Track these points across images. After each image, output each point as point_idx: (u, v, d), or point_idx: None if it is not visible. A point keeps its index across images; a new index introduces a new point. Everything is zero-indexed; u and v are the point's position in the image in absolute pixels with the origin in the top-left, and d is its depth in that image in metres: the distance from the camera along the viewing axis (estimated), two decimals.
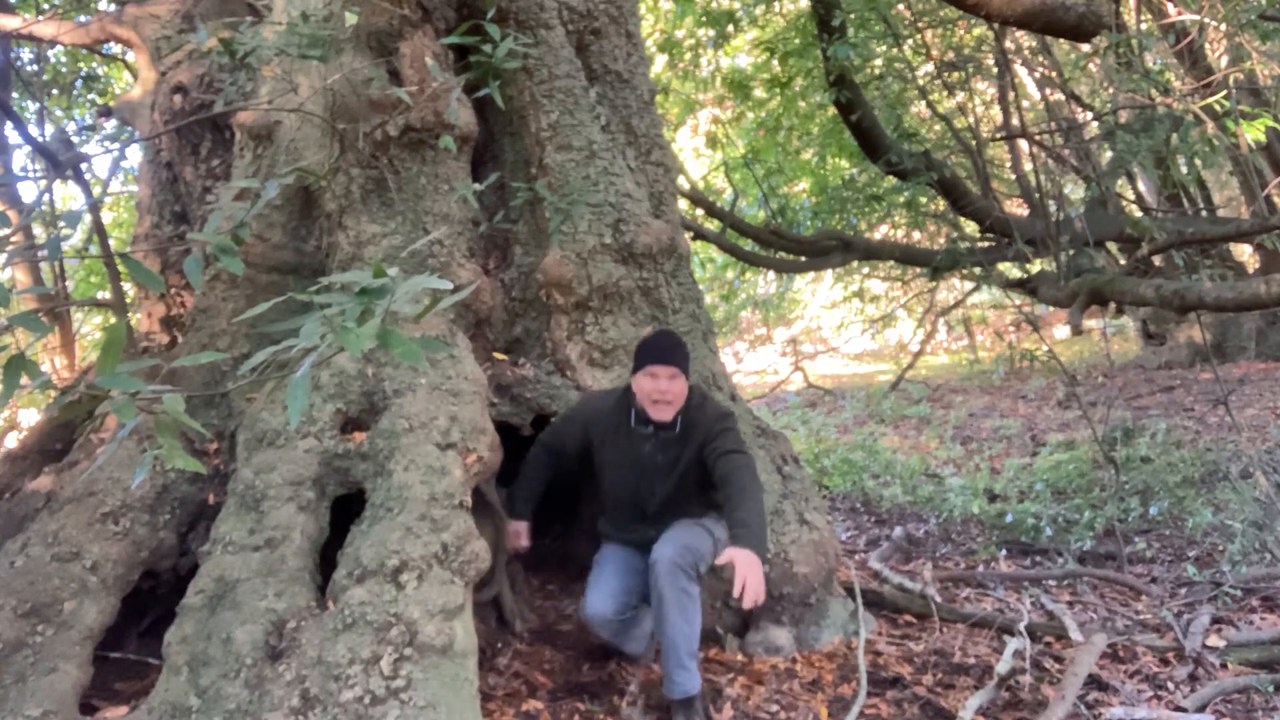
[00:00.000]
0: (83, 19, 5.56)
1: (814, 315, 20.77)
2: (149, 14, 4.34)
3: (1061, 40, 7.50)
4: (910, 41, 8.25)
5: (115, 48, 6.19)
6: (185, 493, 3.09)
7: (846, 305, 14.72)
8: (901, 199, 7.99)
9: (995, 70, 9.11)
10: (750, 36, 10.02)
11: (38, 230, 6.96)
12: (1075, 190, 11.22)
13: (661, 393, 2.91)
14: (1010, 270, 8.21)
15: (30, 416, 7.25)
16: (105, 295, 7.84)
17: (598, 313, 3.71)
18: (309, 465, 2.87)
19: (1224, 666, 3.15)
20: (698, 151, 13.19)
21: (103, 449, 3.10)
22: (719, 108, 11.33)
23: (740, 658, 3.31)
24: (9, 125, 6.43)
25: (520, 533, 3.29)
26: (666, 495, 3.02)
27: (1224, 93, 4.52)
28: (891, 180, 7.63)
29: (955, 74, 7.95)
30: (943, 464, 7.43)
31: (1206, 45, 6.82)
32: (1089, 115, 8.86)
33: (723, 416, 3.02)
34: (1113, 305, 6.51)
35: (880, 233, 10.64)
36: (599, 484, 3.20)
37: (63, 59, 7.99)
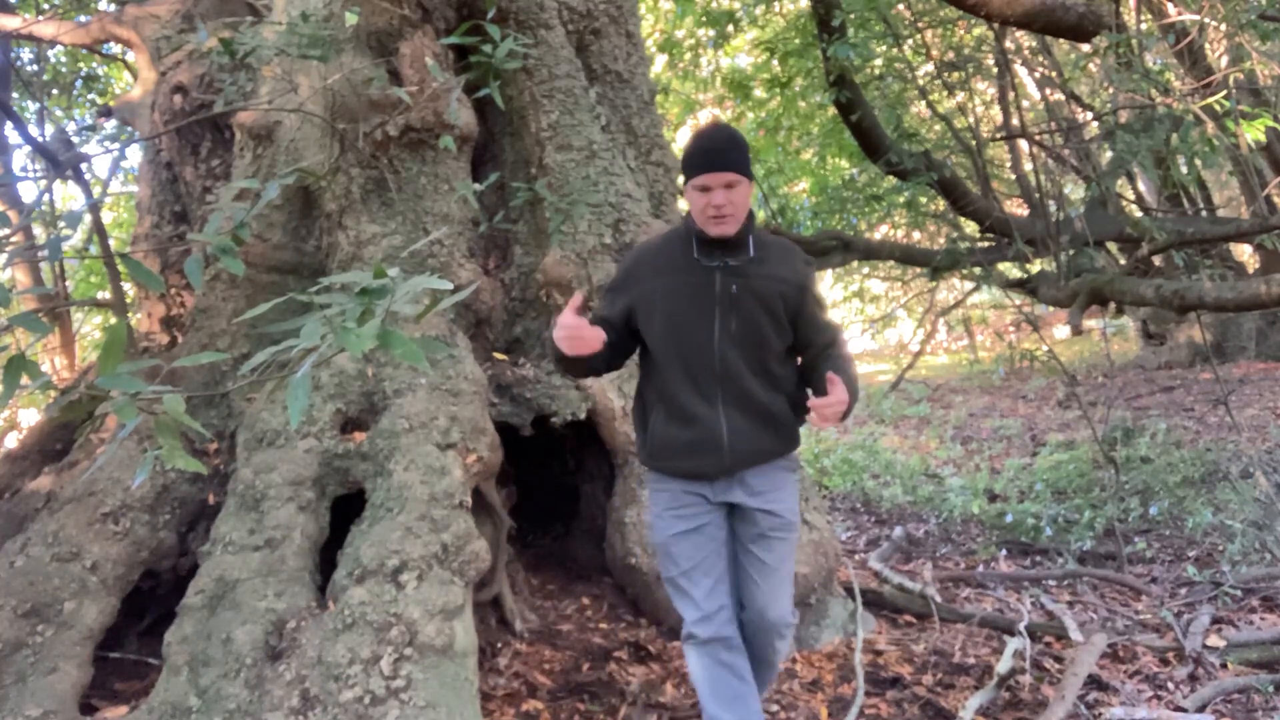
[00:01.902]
0: (83, 19, 5.56)
1: None
2: (149, 14, 4.34)
3: (1061, 40, 7.50)
4: (910, 41, 8.24)
5: (115, 48, 6.19)
6: (185, 493, 3.10)
7: (846, 305, 14.72)
8: (901, 199, 7.98)
9: (995, 70, 9.11)
10: (750, 36, 10.03)
11: (38, 230, 6.96)
12: (1075, 190, 11.21)
13: (718, 207, 2.21)
14: (1010, 270, 8.20)
15: (30, 416, 7.26)
16: (105, 295, 7.84)
17: None
18: (309, 465, 2.87)
19: (1224, 666, 3.15)
20: None
21: (103, 449, 3.11)
22: (719, 108, 11.33)
23: None
24: (9, 125, 6.43)
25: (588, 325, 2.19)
26: (739, 348, 2.30)
27: (1224, 93, 4.51)
28: (891, 180, 7.62)
29: (955, 74, 7.95)
30: (943, 464, 7.43)
31: (1206, 45, 6.81)
32: (1089, 115, 8.86)
33: (806, 260, 2.41)
34: (1113, 305, 6.50)
35: (880, 233, 10.64)
36: (652, 354, 2.37)
37: (63, 59, 7.99)
